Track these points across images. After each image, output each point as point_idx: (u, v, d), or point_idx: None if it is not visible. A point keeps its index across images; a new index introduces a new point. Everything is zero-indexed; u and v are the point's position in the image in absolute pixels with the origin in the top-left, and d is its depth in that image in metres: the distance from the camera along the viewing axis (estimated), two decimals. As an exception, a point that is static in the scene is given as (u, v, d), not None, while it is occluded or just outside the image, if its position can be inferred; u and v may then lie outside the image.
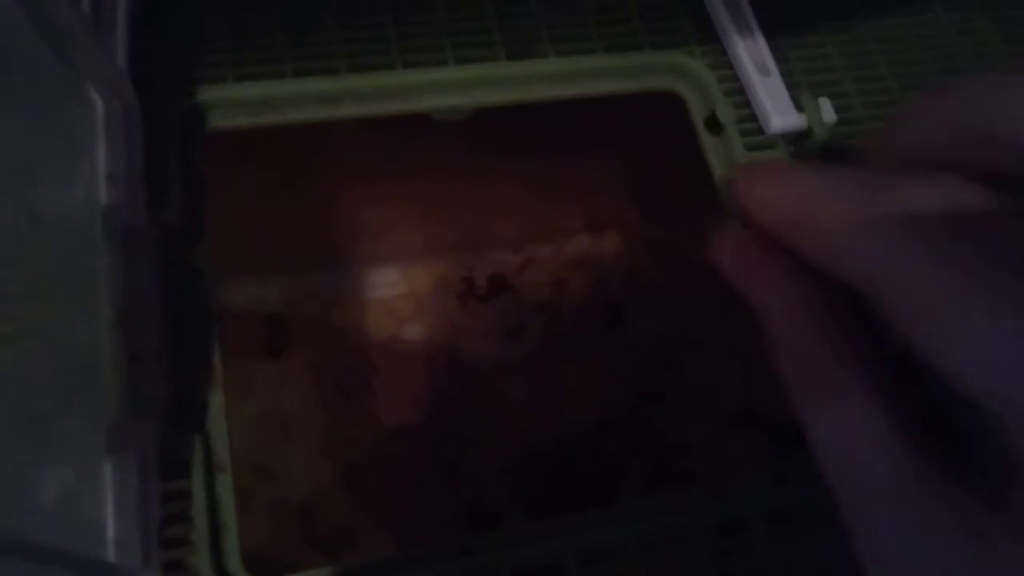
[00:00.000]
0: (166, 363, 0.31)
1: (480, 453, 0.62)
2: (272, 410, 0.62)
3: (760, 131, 0.38)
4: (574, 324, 0.66)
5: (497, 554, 0.30)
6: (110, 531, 0.26)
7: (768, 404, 0.59)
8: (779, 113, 0.38)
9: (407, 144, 0.55)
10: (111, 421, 0.27)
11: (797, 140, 0.38)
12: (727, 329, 0.60)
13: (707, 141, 0.38)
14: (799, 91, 0.38)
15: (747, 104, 0.39)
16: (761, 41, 0.39)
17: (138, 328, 0.29)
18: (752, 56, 0.38)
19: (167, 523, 0.28)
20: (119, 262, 0.30)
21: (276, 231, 0.60)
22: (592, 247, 0.68)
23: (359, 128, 0.51)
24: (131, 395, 0.28)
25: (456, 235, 0.67)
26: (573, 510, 0.47)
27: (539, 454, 0.62)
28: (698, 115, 0.39)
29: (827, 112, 0.38)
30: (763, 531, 0.32)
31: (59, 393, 0.26)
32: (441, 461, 0.61)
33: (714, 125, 0.39)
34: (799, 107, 0.38)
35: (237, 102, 0.35)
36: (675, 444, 0.62)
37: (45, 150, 0.28)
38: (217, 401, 0.31)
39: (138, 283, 0.30)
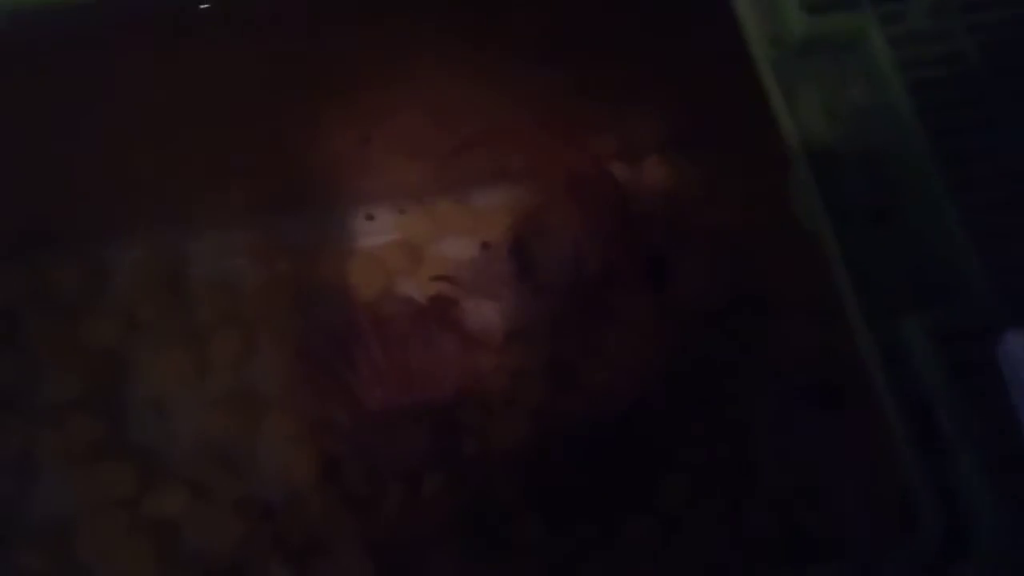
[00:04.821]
0: None
1: (486, 442, 0.51)
2: (236, 389, 0.52)
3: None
4: (607, 279, 0.53)
5: None
6: None
7: (846, 374, 0.47)
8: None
9: (389, 41, 0.44)
10: None
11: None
12: (798, 283, 0.47)
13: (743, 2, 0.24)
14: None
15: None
16: None
17: None
18: None
19: None
20: None
21: (230, 165, 0.50)
22: (628, 179, 0.55)
23: (329, 22, 0.41)
24: None
25: (459, 167, 0.54)
26: (599, 514, 0.37)
27: (560, 443, 0.50)
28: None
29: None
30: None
31: None
32: (438, 451, 0.51)
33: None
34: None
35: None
36: (731, 426, 0.51)
37: None
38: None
39: None
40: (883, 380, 0.23)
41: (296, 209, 0.54)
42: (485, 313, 0.54)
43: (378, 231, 0.55)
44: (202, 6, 0.39)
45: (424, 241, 0.55)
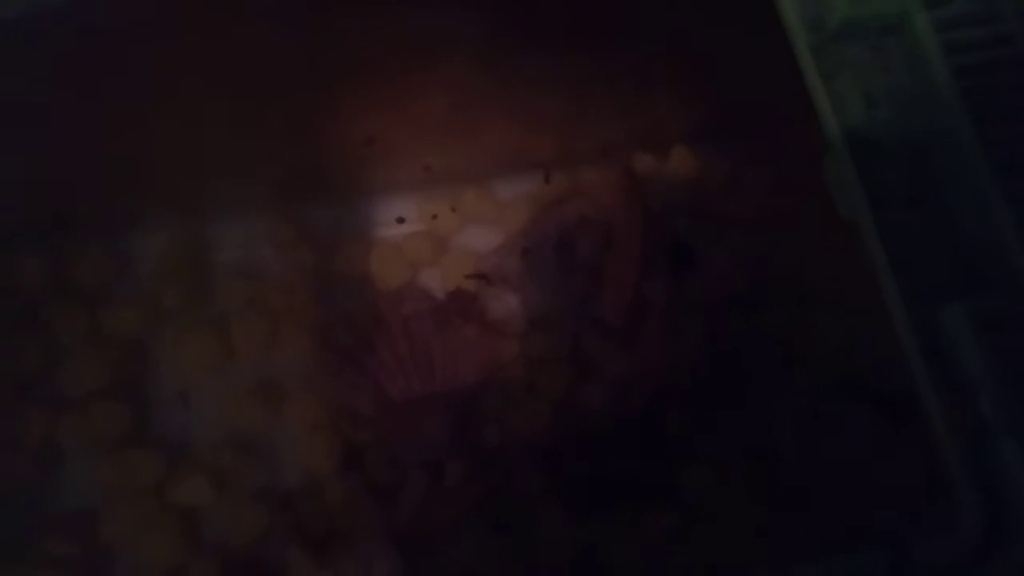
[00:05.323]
0: None
1: (508, 431, 0.50)
2: (259, 378, 0.52)
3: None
4: (630, 268, 0.52)
5: None
6: None
7: (875, 368, 0.46)
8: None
9: (411, 28, 0.43)
10: None
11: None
12: (827, 273, 0.46)
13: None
14: None
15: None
16: None
17: None
18: None
19: None
20: None
21: (255, 153, 0.49)
22: (653, 168, 0.53)
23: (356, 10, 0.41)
24: None
25: (483, 156, 0.54)
26: (620, 504, 0.36)
27: (582, 432, 0.49)
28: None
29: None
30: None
31: None
32: (460, 440, 0.50)
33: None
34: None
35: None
36: (756, 417, 0.49)
37: None
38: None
39: None
40: (923, 366, 0.23)
41: (321, 198, 0.53)
42: (508, 302, 0.53)
43: (401, 221, 0.54)
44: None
45: (448, 232, 0.54)
